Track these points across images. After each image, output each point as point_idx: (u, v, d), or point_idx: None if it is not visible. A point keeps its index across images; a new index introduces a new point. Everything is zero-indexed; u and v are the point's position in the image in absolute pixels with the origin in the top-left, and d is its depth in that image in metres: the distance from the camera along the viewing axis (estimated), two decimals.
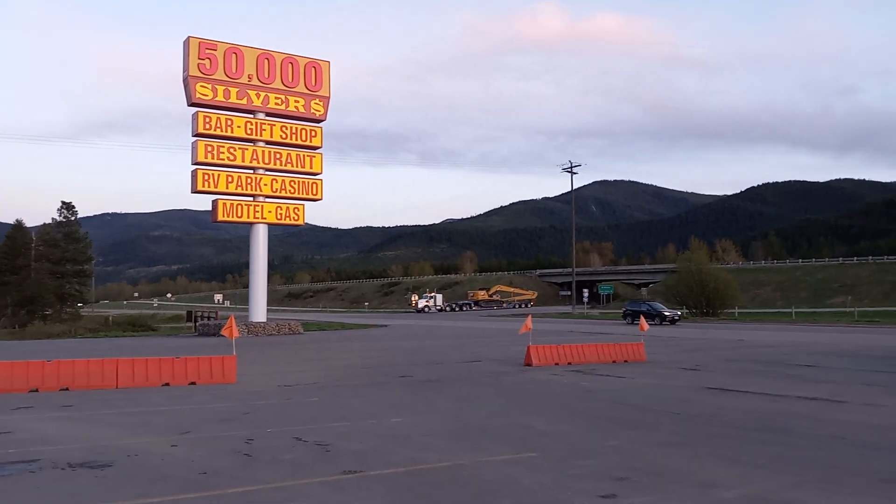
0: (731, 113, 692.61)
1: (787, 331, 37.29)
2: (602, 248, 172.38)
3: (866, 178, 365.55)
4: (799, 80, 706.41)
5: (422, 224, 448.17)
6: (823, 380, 15.07)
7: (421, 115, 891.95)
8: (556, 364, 18.45)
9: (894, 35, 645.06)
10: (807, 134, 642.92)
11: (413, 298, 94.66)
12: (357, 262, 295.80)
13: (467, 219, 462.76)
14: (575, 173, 71.07)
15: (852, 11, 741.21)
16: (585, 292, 77.45)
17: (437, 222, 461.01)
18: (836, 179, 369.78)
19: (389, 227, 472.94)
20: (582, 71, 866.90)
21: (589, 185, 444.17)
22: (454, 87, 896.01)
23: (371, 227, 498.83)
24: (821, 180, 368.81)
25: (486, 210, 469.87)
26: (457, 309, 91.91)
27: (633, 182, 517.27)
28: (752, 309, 68.33)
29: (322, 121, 38.48)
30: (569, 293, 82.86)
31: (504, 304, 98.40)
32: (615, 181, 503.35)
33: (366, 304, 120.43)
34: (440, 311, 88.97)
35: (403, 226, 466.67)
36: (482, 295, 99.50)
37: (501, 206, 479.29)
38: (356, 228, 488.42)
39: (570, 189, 76.74)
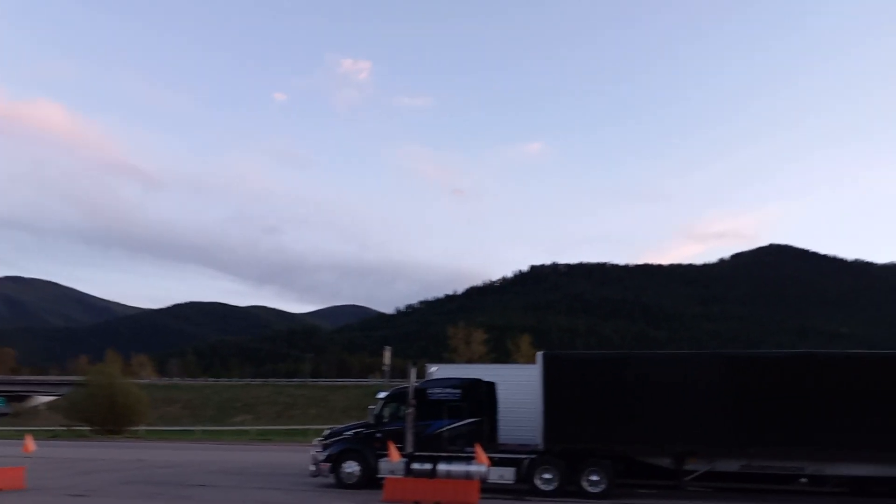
0: (167, 230, 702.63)
1: (192, 449, 37.59)
2: (2, 354, 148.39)
3: (277, 308, 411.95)
4: (232, 212, 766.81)
5: None
6: (214, 499, 15.42)
7: None
8: None
9: (306, 188, 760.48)
10: (233, 262, 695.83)
11: None
12: None
13: None
14: None
15: (265, 159, 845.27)
16: None
17: None
18: (252, 306, 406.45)
19: None
20: (13, 154, 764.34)
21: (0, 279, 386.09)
22: None
23: None
24: (240, 305, 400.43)
25: None
26: None
27: (53, 283, 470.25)
28: (161, 426, 67.24)
29: None
30: None
31: None
32: (32, 279, 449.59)
33: None
34: None
35: None
36: None
37: None
38: None
39: None
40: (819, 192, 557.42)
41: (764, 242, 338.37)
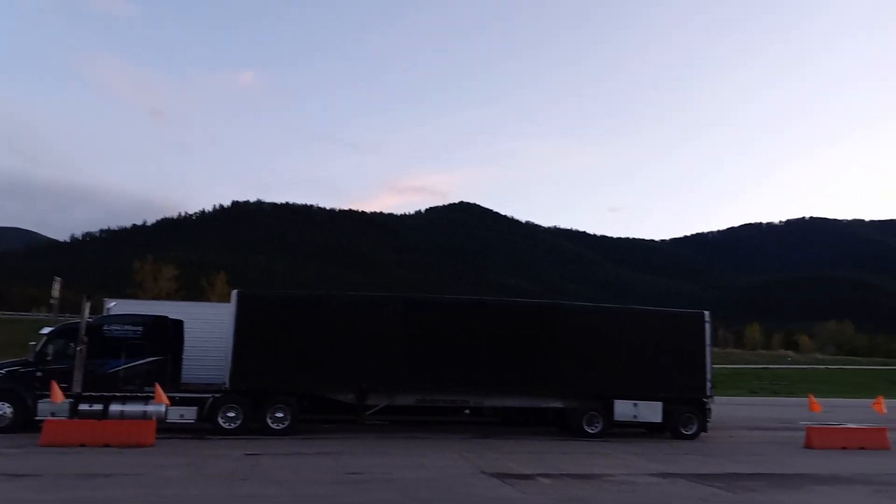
0: None
1: None
2: None
3: None
4: None
5: None
6: None
7: None
8: None
9: None
10: None
11: None
12: None
13: None
14: None
15: None
16: None
17: None
18: None
19: None
20: None
21: None
22: None
23: None
24: None
25: None
26: None
27: None
28: None
29: None
30: None
31: None
32: None
33: None
34: None
35: None
36: None
37: None
38: None
39: None
40: (506, 160, 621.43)
41: (455, 200, 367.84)
